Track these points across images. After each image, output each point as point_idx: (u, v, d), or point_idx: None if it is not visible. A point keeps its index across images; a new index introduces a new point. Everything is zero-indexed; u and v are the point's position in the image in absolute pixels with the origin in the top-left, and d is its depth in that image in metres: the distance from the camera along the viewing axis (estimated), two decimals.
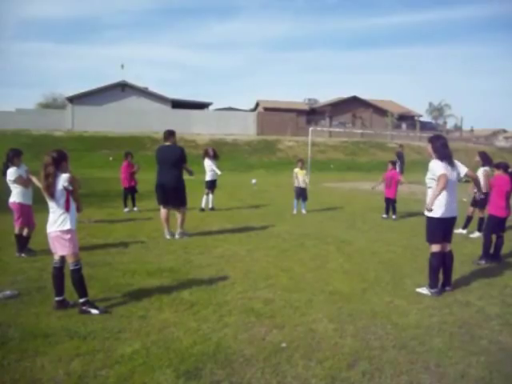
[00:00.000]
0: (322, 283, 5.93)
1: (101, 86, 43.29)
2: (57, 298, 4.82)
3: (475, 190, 9.62)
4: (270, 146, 38.11)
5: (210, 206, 12.63)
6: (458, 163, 5.79)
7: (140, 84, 45.30)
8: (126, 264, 6.63)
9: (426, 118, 55.97)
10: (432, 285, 5.62)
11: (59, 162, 4.70)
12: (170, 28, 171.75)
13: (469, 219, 9.88)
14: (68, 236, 4.73)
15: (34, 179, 6.95)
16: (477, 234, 9.51)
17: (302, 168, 12.63)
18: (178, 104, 43.68)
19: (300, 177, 12.49)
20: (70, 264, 4.75)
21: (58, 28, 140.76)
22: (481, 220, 9.61)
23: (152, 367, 3.59)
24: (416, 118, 52.66)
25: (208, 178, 12.75)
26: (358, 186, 21.08)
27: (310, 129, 28.61)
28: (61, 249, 4.76)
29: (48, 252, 5.25)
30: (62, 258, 4.85)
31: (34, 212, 7.36)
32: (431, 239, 5.73)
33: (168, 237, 8.63)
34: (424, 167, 5.79)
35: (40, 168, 4.73)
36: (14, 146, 7.60)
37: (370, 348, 4.06)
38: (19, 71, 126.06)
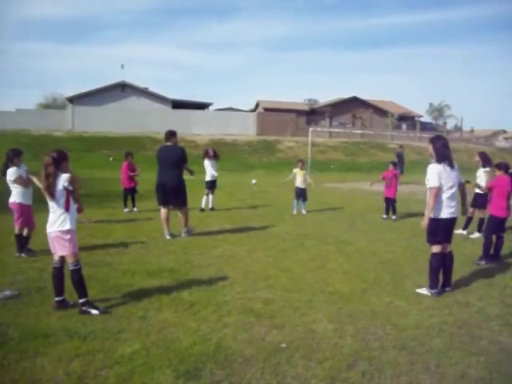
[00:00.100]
0: (322, 283, 5.93)
1: (101, 87, 43.32)
2: (57, 299, 4.81)
3: (476, 190, 9.64)
4: (270, 147, 38.11)
5: (210, 206, 12.63)
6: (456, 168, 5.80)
7: (140, 84, 45.41)
8: (126, 264, 6.63)
9: (426, 119, 56.06)
10: (432, 285, 5.62)
11: (59, 162, 4.70)
12: (170, 28, 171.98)
13: (469, 220, 9.87)
14: (68, 236, 4.73)
15: (35, 179, 6.95)
16: (477, 235, 9.52)
17: (301, 168, 12.63)
18: (178, 104, 43.72)
19: (299, 177, 12.50)
20: (70, 264, 4.75)
21: (57, 28, 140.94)
22: (481, 221, 9.61)
23: (152, 367, 3.59)
24: (416, 118, 52.67)
25: (208, 178, 12.74)
26: (358, 187, 21.08)
27: (310, 129, 28.63)
28: (60, 249, 4.76)
29: (48, 252, 5.25)
30: (62, 259, 4.85)
31: (33, 212, 7.36)
32: (431, 240, 5.73)
33: (168, 237, 8.63)
34: (424, 168, 5.79)
35: (40, 168, 4.73)
36: (13, 146, 7.59)
37: (370, 348, 4.06)
38: (19, 71, 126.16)
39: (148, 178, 13.50)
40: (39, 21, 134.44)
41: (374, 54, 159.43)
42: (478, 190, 9.50)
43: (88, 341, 4.04)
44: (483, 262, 7.24)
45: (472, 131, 58.10)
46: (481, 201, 9.46)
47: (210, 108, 48.65)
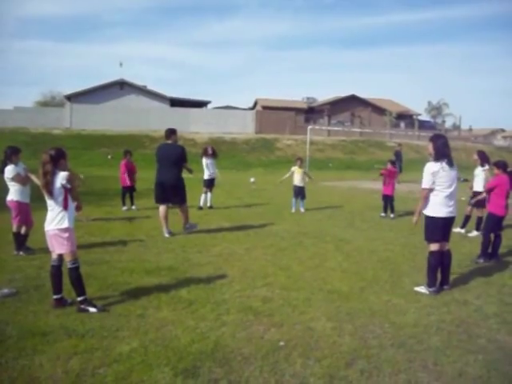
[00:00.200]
0: (321, 282, 5.93)
1: (99, 84, 43.25)
2: (55, 297, 4.81)
3: (474, 189, 9.66)
4: (269, 145, 38.11)
5: (209, 204, 12.63)
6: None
7: (138, 82, 45.32)
8: (124, 262, 6.62)
9: (424, 117, 56.10)
10: (430, 284, 5.63)
11: (57, 159, 4.69)
12: (169, 26, 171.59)
13: (467, 218, 9.89)
14: (66, 234, 4.72)
15: (34, 177, 6.94)
16: (475, 233, 9.53)
17: (300, 166, 12.62)
18: (176, 102, 43.68)
19: (298, 175, 12.49)
20: (68, 262, 4.74)
21: (56, 26, 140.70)
22: (479, 219, 9.62)
23: (150, 365, 3.59)
24: (414, 116, 52.72)
25: (206, 176, 12.75)
26: (357, 185, 21.10)
27: (309, 127, 28.71)
28: (59, 247, 4.75)
29: (46, 250, 5.24)
30: (60, 257, 4.84)
31: (31, 210, 7.35)
32: (430, 238, 5.74)
33: (166, 235, 8.63)
34: (422, 166, 5.79)
35: (38, 166, 4.72)
36: (12, 144, 7.57)
37: (368, 347, 4.06)
38: (18, 69, 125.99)
39: (146, 177, 13.50)
40: (38, 19, 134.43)
41: (373, 53, 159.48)
42: (477, 189, 9.53)
43: (86, 339, 4.04)
44: (481, 261, 7.25)
45: (470, 130, 58.16)
46: (479, 199, 9.47)
47: (209, 106, 48.66)
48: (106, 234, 8.74)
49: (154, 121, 38.39)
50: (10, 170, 7.02)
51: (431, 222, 5.66)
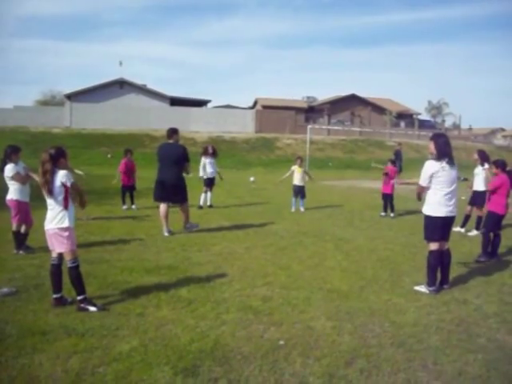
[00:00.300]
0: (320, 281, 5.93)
1: (99, 83, 43.21)
2: (55, 296, 4.81)
3: (474, 188, 9.67)
4: (269, 144, 38.11)
5: (209, 203, 12.64)
6: None
7: (138, 81, 45.29)
8: (124, 261, 6.63)
9: (424, 117, 56.06)
10: (430, 283, 5.63)
11: (57, 158, 4.69)
12: (169, 25, 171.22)
13: (467, 218, 9.89)
14: (66, 233, 4.72)
15: (35, 176, 6.93)
16: (475, 233, 9.54)
17: (300, 165, 12.62)
18: (176, 101, 43.65)
19: (297, 175, 12.49)
20: (68, 261, 4.74)
21: (56, 25, 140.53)
22: (479, 218, 9.63)
23: (150, 364, 3.59)
24: (414, 116, 52.68)
25: (204, 175, 12.75)
26: (357, 184, 21.11)
27: (309, 127, 28.71)
28: (59, 246, 4.75)
29: (46, 249, 5.24)
30: (60, 255, 4.84)
31: (31, 209, 7.35)
32: (429, 237, 5.74)
33: (166, 234, 8.64)
34: (422, 165, 5.79)
35: (38, 165, 4.72)
36: (12, 143, 7.57)
37: (368, 346, 4.06)
38: (18, 68, 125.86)
39: (146, 176, 13.50)
40: (38, 18, 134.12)
41: (373, 52, 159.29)
42: (477, 188, 9.54)
43: (86, 338, 4.04)
44: (483, 260, 7.25)
45: (470, 129, 58.17)
46: (479, 199, 9.48)
47: (209, 105, 48.64)
48: (106, 232, 8.74)
49: (153, 120, 38.39)
50: (9, 169, 7.01)
51: (430, 221, 5.66)
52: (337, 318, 4.67)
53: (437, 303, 5.23)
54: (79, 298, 4.73)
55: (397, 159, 17.58)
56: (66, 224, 4.71)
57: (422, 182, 5.67)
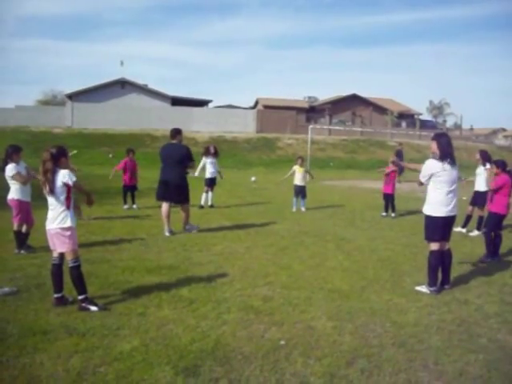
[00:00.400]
0: (321, 281, 5.93)
1: (100, 83, 43.23)
2: (56, 295, 4.81)
3: (476, 189, 9.66)
4: (270, 144, 38.10)
5: (210, 203, 12.64)
6: None
7: (140, 81, 45.30)
8: (125, 261, 6.63)
9: (425, 117, 56.04)
10: (431, 283, 5.62)
11: (58, 158, 4.69)
12: (170, 25, 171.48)
13: (468, 218, 9.88)
14: (68, 233, 4.72)
15: (39, 176, 6.93)
16: (476, 233, 9.53)
17: (301, 165, 12.62)
18: (177, 101, 43.64)
19: (298, 174, 12.49)
20: (69, 261, 4.75)
21: (57, 25, 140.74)
22: (480, 219, 9.63)
23: (151, 364, 3.59)
24: (416, 116, 52.65)
25: (207, 175, 12.75)
26: (358, 184, 21.10)
27: (310, 127, 28.67)
28: (60, 246, 4.75)
29: (47, 249, 5.24)
30: (61, 255, 4.84)
31: (32, 209, 7.35)
32: (430, 237, 5.73)
33: (167, 234, 8.64)
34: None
35: (39, 164, 4.72)
36: (13, 143, 7.57)
37: (369, 346, 4.06)
38: (18, 68, 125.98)
39: (147, 176, 13.51)
40: (39, 18, 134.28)
41: (374, 52, 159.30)
42: (479, 188, 9.53)
43: (87, 337, 4.04)
44: (488, 260, 7.23)
45: (472, 129, 58.14)
46: (480, 199, 9.48)
47: (210, 105, 48.64)
48: (107, 232, 8.74)
49: (155, 120, 38.41)
50: (10, 169, 7.01)
51: (431, 221, 5.66)
52: (338, 318, 4.67)
53: (438, 303, 5.22)
54: (80, 297, 4.73)
55: (396, 165, 17.56)
56: (68, 224, 4.71)
57: (422, 178, 5.70)
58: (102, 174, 19.99)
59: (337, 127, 41.75)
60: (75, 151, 9.61)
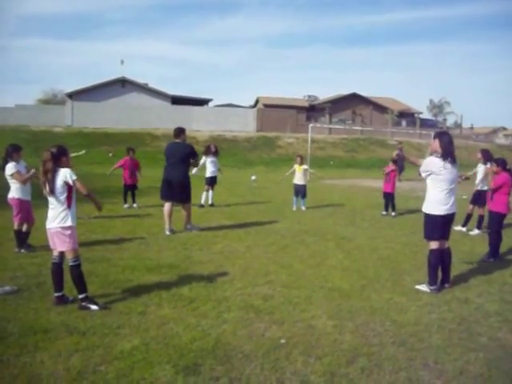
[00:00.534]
0: (322, 280, 5.93)
1: (101, 82, 43.19)
2: (56, 294, 4.82)
3: (477, 188, 9.65)
4: (270, 143, 38.07)
5: (210, 202, 12.64)
6: None
7: (140, 80, 45.27)
8: (126, 260, 6.63)
9: (426, 115, 56.00)
10: (431, 282, 5.62)
11: (58, 157, 4.69)
12: (170, 24, 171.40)
13: (468, 217, 9.88)
14: (68, 232, 4.72)
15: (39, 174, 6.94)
16: (476, 232, 9.53)
17: (300, 164, 12.61)
18: (177, 100, 43.60)
19: (298, 173, 12.49)
20: (70, 260, 4.75)
21: (57, 24, 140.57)
22: (480, 218, 9.63)
23: (151, 363, 3.59)
24: (416, 115, 52.62)
25: (208, 174, 12.75)
26: (358, 183, 21.11)
27: (310, 125, 28.63)
28: (60, 245, 4.76)
29: (47, 248, 5.24)
30: (61, 254, 4.84)
31: (33, 208, 7.36)
32: (430, 236, 5.73)
33: (168, 233, 8.65)
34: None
35: (40, 164, 4.73)
36: (13, 142, 7.57)
37: (369, 344, 4.06)
38: (19, 67, 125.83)
39: (148, 175, 13.49)
40: (39, 17, 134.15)
41: (374, 51, 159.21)
42: (479, 187, 9.52)
43: (87, 336, 4.04)
44: (491, 260, 7.23)
45: (472, 128, 58.04)
46: (481, 198, 9.47)
47: (210, 104, 48.61)
48: (108, 231, 8.75)
49: (155, 119, 38.39)
50: (10, 168, 7.01)
51: (430, 219, 5.66)
52: (338, 317, 4.67)
53: (438, 302, 5.23)
54: (81, 296, 4.74)
55: (398, 159, 17.56)
56: (68, 223, 4.71)
57: (421, 170, 5.72)
58: (102, 173, 20.00)
59: (337, 126, 41.73)
60: (83, 151, 9.61)
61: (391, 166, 12.09)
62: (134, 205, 12.12)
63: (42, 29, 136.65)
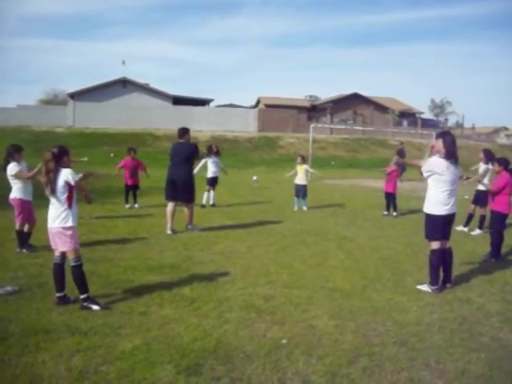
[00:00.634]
0: (323, 280, 5.93)
1: (102, 83, 43.24)
2: (58, 294, 4.82)
3: (479, 187, 9.64)
4: (271, 143, 38.08)
5: (211, 202, 12.64)
6: None
7: (141, 80, 45.29)
8: (127, 260, 6.64)
9: (427, 115, 55.94)
10: (432, 282, 5.62)
11: (60, 157, 4.70)
12: (172, 24, 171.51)
13: (470, 217, 9.87)
14: (69, 232, 4.73)
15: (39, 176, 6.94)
16: (478, 232, 9.52)
17: (301, 163, 12.61)
18: (179, 100, 43.63)
19: (300, 173, 12.50)
20: (71, 260, 4.75)
21: (58, 24, 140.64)
22: (482, 218, 9.62)
23: (153, 363, 3.59)
24: (417, 115, 52.58)
25: (210, 174, 12.76)
26: (359, 183, 21.10)
27: (311, 125, 28.63)
28: (62, 245, 4.76)
29: (49, 248, 5.25)
30: (63, 254, 4.85)
31: (34, 208, 7.36)
32: (431, 236, 5.73)
33: (169, 232, 8.66)
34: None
35: (41, 164, 4.73)
36: (14, 142, 7.58)
37: (371, 345, 4.06)
38: (20, 67, 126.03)
39: (149, 175, 13.48)
40: (40, 17, 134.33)
41: (376, 51, 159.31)
42: (481, 187, 9.50)
43: (89, 336, 4.05)
44: (493, 260, 7.22)
45: (473, 128, 57.96)
46: (482, 198, 9.46)
47: (211, 104, 48.62)
48: (109, 231, 8.75)
49: (156, 119, 38.43)
50: (12, 168, 7.02)
51: (431, 220, 5.66)
52: (339, 317, 4.67)
53: (439, 302, 5.22)
54: (82, 296, 4.74)
55: (398, 165, 17.55)
56: (69, 223, 4.72)
57: (425, 172, 5.67)
58: (103, 173, 20.05)
59: (338, 126, 41.73)
60: (85, 159, 9.71)
61: (392, 166, 12.08)
62: (136, 205, 12.12)
63: (43, 29, 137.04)
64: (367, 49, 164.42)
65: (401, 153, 21.03)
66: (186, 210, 9.02)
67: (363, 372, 3.57)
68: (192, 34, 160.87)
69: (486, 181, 9.08)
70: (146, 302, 4.95)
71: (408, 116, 51.36)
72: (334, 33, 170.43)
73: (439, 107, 57.84)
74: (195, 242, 8.02)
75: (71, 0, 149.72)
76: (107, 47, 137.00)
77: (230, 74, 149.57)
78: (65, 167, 4.72)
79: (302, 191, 12.43)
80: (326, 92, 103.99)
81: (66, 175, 4.66)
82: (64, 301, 4.81)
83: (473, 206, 9.89)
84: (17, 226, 7.18)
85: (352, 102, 50.65)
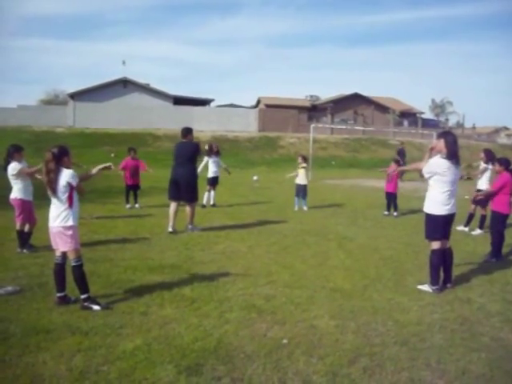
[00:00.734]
0: (323, 280, 5.93)
1: (103, 83, 43.23)
2: (58, 294, 4.82)
3: (478, 187, 9.64)
4: (272, 143, 38.08)
5: (212, 202, 12.64)
6: None
7: (142, 80, 45.30)
8: (128, 260, 6.64)
9: (428, 115, 55.95)
10: (433, 282, 5.62)
11: (60, 157, 4.70)
12: (172, 24, 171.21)
13: (470, 217, 9.87)
14: (70, 232, 4.73)
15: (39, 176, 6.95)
16: (478, 232, 9.52)
17: (301, 163, 12.60)
18: (179, 100, 43.62)
19: (300, 174, 12.50)
20: (72, 260, 4.76)
21: (59, 24, 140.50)
22: (482, 217, 9.61)
23: (153, 363, 3.60)
24: (418, 115, 52.56)
25: (210, 174, 12.76)
26: (360, 183, 21.09)
27: (312, 126, 28.60)
28: (62, 245, 4.77)
29: (49, 248, 5.25)
30: (64, 254, 4.85)
31: (35, 208, 7.37)
32: (431, 236, 5.73)
33: (170, 229, 8.68)
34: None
35: (42, 164, 4.74)
36: (15, 143, 7.58)
37: (371, 344, 4.06)
38: (20, 67, 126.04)
39: (149, 175, 13.49)
40: (41, 17, 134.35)
41: (376, 51, 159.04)
42: (481, 187, 9.50)
43: (90, 336, 4.05)
44: (493, 260, 7.22)
45: (474, 128, 57.95)
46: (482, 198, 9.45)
47: (212, 104, 48.62)
48: (110, 231, 8.76)
49: (157, 119, 38.42)
50: (13, 167, 7.03)
51: (432, 219, 5.65)
52: (340, 317, 4.67)
53: (440, 302, 5.22)
54: (83, 296, 4.74)
55: (400, 158, 17.56)
56: (70, 223, 4.72)
57: (426, 173, 5.65)
58: (103, 173, 20.08)
59: (339, 126, 41.72)
60: (85, 166, 9.79)
61: (393, 167, 12.09)
62: (136, 205, 12.12)
63: (44, 29, 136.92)
64: (368, 49, 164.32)
65: (401, 152, 21.11)
66: (187, 208, 9.02)
67: (364, 372, 3.57)
68: (192, 34, 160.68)
69: (484, 184, 9.12)
70: (147, 302, 4.95)
71: (409, 116, 51.35)
72: (334, 33, 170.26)
73: (440, 107, 57.87)
74: (196, 242, 8.02)
75: (72, 0, 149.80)
76: (107, 47, 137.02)
77: (230, 74, 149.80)
78: (65, 167, 4.72)
79: (301, 191, 12.44)
80: (327, 92, 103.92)
81: (67, 177, 4.66)
82: (65, 301, 4.82)
83: (473, 206, 9.88)
84: (17, 226, 7.19)
85: (352, 102, 50.64)
